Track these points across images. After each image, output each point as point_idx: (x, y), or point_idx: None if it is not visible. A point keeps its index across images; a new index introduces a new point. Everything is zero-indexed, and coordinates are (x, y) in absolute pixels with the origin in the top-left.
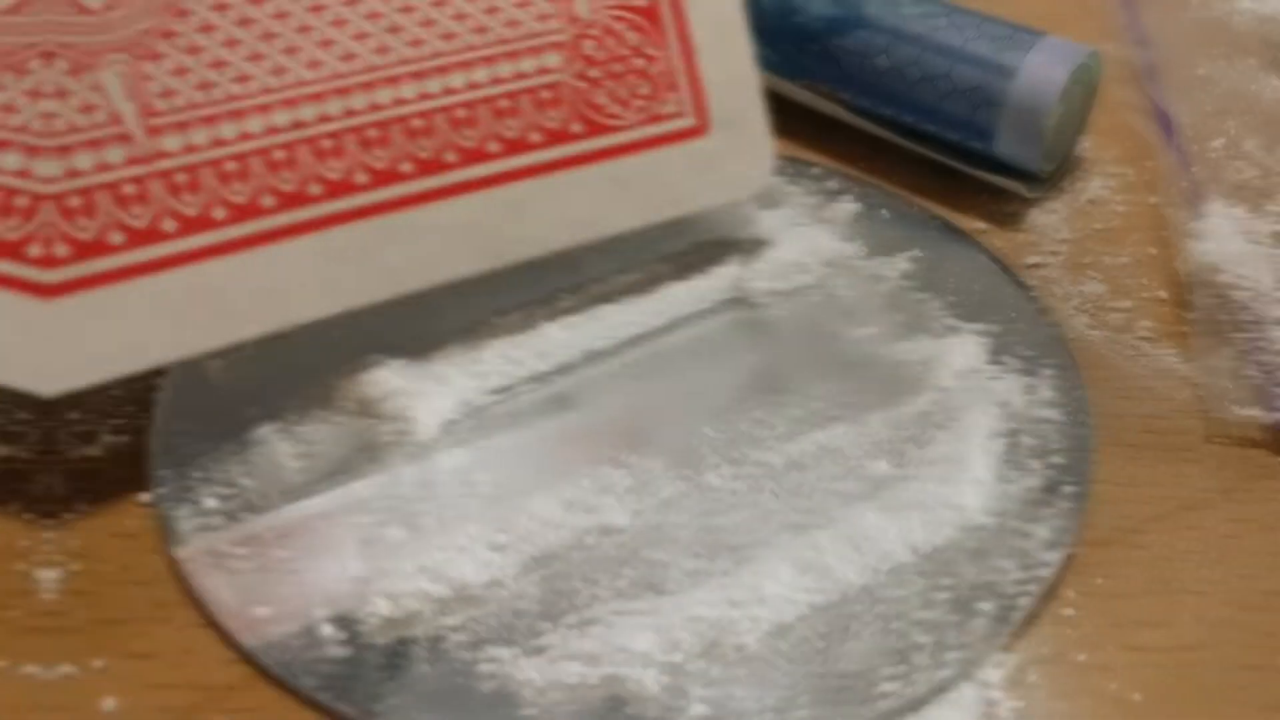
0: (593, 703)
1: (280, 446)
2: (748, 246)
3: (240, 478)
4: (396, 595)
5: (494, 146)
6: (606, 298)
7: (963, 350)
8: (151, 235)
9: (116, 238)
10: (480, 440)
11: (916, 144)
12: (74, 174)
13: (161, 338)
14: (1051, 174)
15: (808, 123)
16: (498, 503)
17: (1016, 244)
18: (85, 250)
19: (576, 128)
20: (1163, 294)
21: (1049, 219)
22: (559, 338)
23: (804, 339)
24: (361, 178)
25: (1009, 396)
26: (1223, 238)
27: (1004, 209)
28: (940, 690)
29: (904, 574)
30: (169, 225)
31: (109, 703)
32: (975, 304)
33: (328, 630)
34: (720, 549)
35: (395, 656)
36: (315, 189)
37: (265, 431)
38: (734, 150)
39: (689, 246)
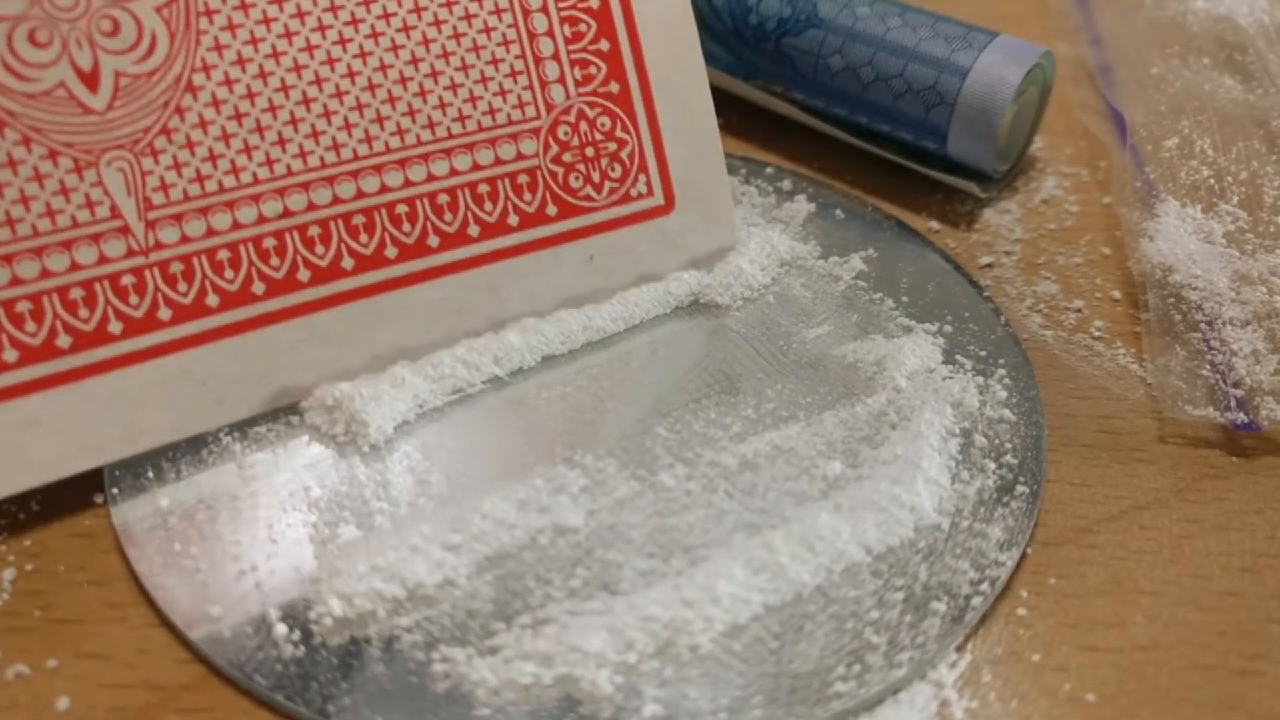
0: (546, 703)
1: (234, 446)
2: None
3: (194, 477)
4: (350, 595)
5: (473, 230)
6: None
7: (916, 350)
8: (148, 324)
9: (115, 327)
10: (434, 440)
11: (870, 144)
12: (76, 267)
13: (156, 423)
14: (1005, 174)
15: (761, 123)
16: (451, 502)
17: (970, 244)
18: (85, 341)
19: (551, 210)
20: (1116, 294)
21: (1002, 219)
22: (516, 342)
23: (758, 339)
24: (348, 263)
25: (963, 396)
26: (1176, 238)
27: (958, 209)
28: (894, 690)
29: (858, 574)
30: (164, 314)
31: (63, 702)
32: (929, 304)
33: (281, 630)
34: (674, 549)
35: (349, 656)
36: (304, 275)
37: (219, 431)
38: (699, 225)
39: None
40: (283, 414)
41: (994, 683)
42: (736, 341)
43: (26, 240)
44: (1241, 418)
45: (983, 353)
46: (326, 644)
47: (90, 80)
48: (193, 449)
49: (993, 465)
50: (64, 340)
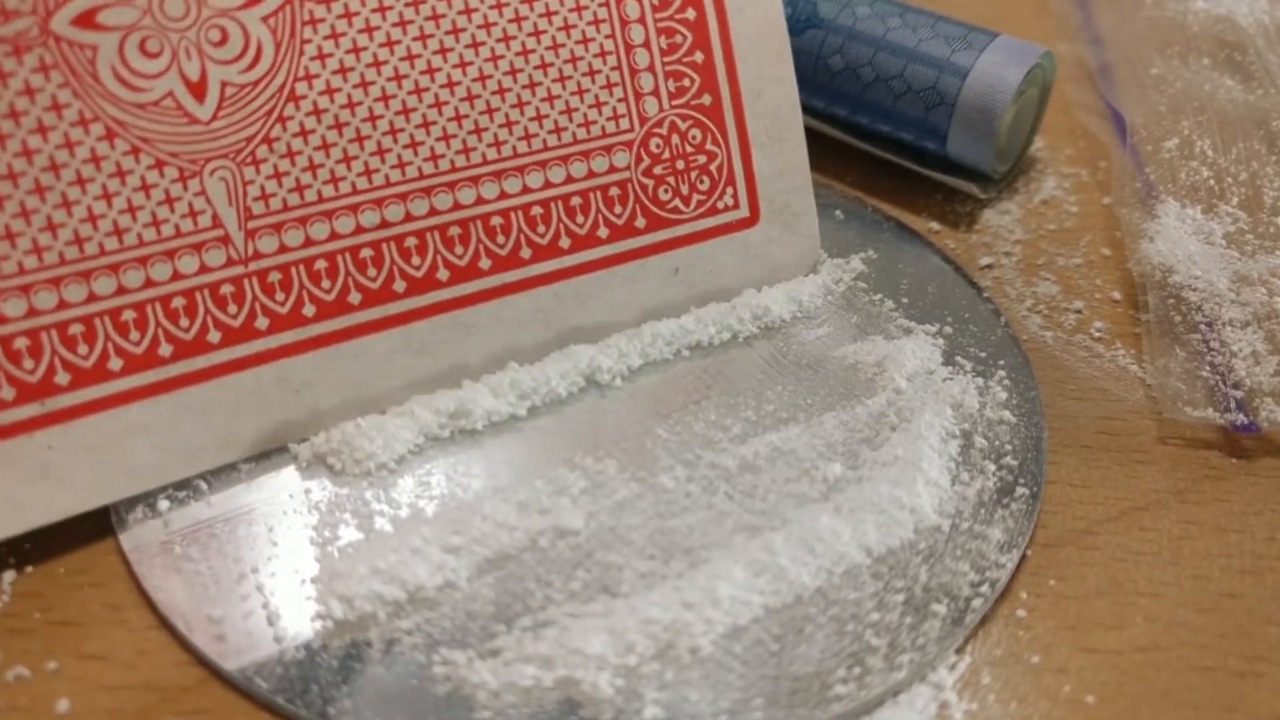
0: (547, 705)
1: None
2: None
3: (194, 479)
4: (350, 598)
5: (564, 242)
6: None
7: (916, 351)
8: (246, 333)
9: (214, 336)
10: (435, 446)
11: (870, 144)
12: (178, 277)
13: (251, 431)
14: (1005, 175)
15: None
16: (451, 505)
17: (970, 245)
18: (185, 350)
19: (640, 223)
20: (1116, 295)
21: (1002, 220)
22: (552, 374)
23: (758, 340)
24: (443, 274)
25: (963, 398)
26: (1176, 239)
27: (957, 210)
28: (894, 692)
29: (858, 576)
30: (261, 323)
31: (62, 704)
32: (929, 305)
33: (282, 632)
34: (674, 551)
35: (349, 659)
36: (399, 285)
37: None
38: (782, 239)
39: None
40: None
41: (994, 685)
42: (736, 342)
43: (132, 250)
44: (1241, 419)
45: (983, 354)
46: (327, 646)
47: (197, 90)
48: None
49: (993, 467)
50: (165, 349)
